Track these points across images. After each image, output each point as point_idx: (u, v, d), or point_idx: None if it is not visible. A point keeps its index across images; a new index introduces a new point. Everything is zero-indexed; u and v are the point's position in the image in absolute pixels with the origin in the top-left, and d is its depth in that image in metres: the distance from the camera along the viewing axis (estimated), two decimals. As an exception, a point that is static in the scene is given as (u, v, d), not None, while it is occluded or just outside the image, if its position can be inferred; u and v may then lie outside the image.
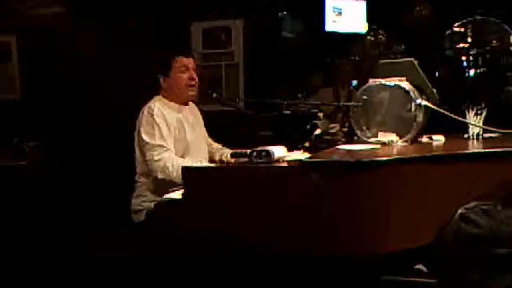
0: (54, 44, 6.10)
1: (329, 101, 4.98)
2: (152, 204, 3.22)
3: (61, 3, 6.24)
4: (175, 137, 3.33)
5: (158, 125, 3.25)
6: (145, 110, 3.33)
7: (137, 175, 3.37)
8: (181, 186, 2.96)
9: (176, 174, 3.08)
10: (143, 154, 3.27)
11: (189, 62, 3.45)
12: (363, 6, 7.01)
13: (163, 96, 3.44)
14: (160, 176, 3.18)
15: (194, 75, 3.43)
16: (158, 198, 3.21)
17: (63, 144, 5.73)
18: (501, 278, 2.26)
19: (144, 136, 3.25)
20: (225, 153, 3.56)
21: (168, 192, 3.11)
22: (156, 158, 3.20)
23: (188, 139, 3.39)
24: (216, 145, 3.69)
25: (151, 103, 3.36)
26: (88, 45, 5.98)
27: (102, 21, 5.94)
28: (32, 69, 6.32)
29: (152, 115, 3.27)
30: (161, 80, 3.43)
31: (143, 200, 3.31)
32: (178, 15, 5.80)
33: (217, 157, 3.60)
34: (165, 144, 3.24)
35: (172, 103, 3.42)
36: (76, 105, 5.97)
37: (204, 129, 3.63)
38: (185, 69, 3.41)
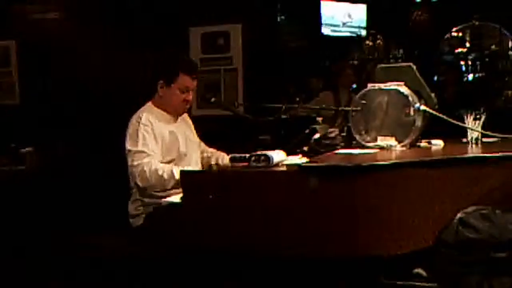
0: (53, 49, 6.11)
1: (329, 104, 4.99)
2: (148, 208, 3.22)
3: (60, 8, 6.25)
4: (166, 148, 3.30)
5: (142, 133, 3.20)
6: (134, 119, 3.30)
7: (131, 180, 3.36)
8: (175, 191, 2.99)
9: (154, 179, 3.07)
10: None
11: (193, 84, 3.39)
12: (362, 10, 7.05)
13: (155, 104, 3.40)
14: (139, 182, 3.13)
15: (190, 97, 3.39)
16: (154, 201, 3.21)
17: (62, 149, 5.72)
18: (500, 282, 2.27)
19: (127, 144, 3.22)
20: (221, 157, 3.55)
21: (163, 196, 3.09)
22: (135, 163, 3.15)
23: (180, 150, 3.36)
24: (211, 150, 3.67)
25: (140, 112, 3.32)
26: (87, 50, 5.98)
27: (101, 26, 5.96)
28: (31, 74, 6.33)
29: (139, 123, 3.23)
30: (160, 85, 3.38)
31: (140, 205, 3.29)
32: (177, 19, 5.81)
33: (213, 161, 3.58)
34: (146, 150, 3.18)
35: (163, 113, 3.39)
36: (76, 110, 5.97)
37: (197, 138, 3.61)
38: (186, 90, 3.36)
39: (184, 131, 3.48)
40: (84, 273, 3.59)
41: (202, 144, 3.66)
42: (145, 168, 3.11)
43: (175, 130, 3.39)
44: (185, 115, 3.57)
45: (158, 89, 3.39)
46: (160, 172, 3.07)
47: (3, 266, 4.05)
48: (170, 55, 3.56)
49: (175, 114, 3.45)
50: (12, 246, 4.35)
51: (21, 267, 4.07)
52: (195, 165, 3.42)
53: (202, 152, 3.62)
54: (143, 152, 3.17)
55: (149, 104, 3.41)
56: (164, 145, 3.28)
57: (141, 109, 3.36)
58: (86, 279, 3.55)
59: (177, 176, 2.98)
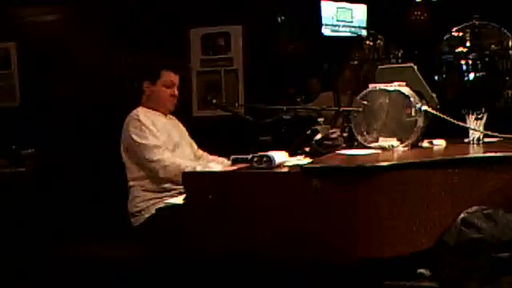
0: (54, 51, 6.11)
1: (330, 105, 4.99)
2: (148, 203, 3.27)
3: (60, 10, 6.25)
4: (164, 139, 3.36)
5: (147, 127, 3.31)
6: (129, 117, 3.39)
7: (129, 181, 3.39)
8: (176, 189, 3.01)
9: (174, 174, 3.14)
10: (139, 156, 3.29)
11: (176, 79, 3.55)
12: (363, 11, 7.05)
13: (145, 106, 3.51)
14: (161, 175, 3.23)
15: (176, 92, 3.54)
16: (153, 196, 3.28)
17: (62, 151, 5.72)
18: (503, 282, 2.27)
19: (136, 138, 3.28)
20: (222, 163, 3.56)
21: (162, 191, 3.24)
22: (155, 158, 3.24)
23: (174, 140, 3.45)
24: (212, 157, 3.68)
25: (134, 111, 3.43)
26: (87, 52, 5.98)
27: (101, 28, 5.95)
28: (31, 76, 6.32)
29: (138, 119, 3.33)
30: (145, 85, 3.51)
31: (139, 201, 3.32)
32: (178, 20, 5.80)
33: None
34: (160, 144, 3.28)
35: (154, 112, 3.49)
36: (76, 112, 5.97)
37: (188, 137, 3.68)
38: (171, 85, 3.51)
39: (174, 126, 3.60)
40: (85, 275, 3.59)
41: (201, 152, 3.70)
42: (167, 163, 3.21)
43: (167, 124, 3.51)
44: (173, 117, 3.63)
45: (144, 90, 3.51)
46: (182, 167, 3.15)
47: (3, 269, 4.05)
48: (149, 57, 3.68)
49: (165, 111, 3.55)
50: (12, 248, 4.35)
51: (21, 269, 4.07)
52: (187, 158, 3.46)
53: (200, 159, 3.64)
54: (158, 146, 3.27)
55: (139, 107, 3.50)
56: (161, 135, 3.36)
57: (132, 111, 3.43)
58: (87, 282, 3.55)
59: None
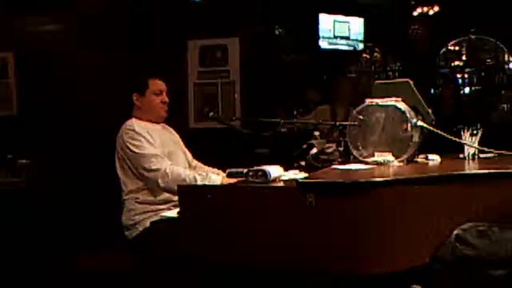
0: (51, 61, 6.12)
1: (326, 118, 4.99)
2: (143, 216, 3.26)
3: (58, 20, 6.27)
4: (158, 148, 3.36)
5: (143, 136, 3.30)
6: (123, 129, 3.38)
7: (124, 194, 3.38)
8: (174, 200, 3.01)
9: (176, 183, 3.08)
10: (136, 166, 3.28)
11: (163, 85, 3.56)
12: (360, 23, 7.07)
13: (136, 117, 3.49)
14: (162, 184, 3.19)
15: (166, 98, 3.54)
16: (148, 209, 3.27)
17: (60, 161, 5.72)
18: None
19: (133, 148, 3.27)
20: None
21: (157, 203, 3.22)
22: (154, 167, 3.21)
23: (168, 150, 3.44)
24: (207, 168, 3.69)
25: (127, 123, 3.42)
26: (85, 61, 5.99)
27: (100, 38, 5.97)
28: (29, 85, 6.33)
29: (133, 130, 3.32)
30: (135, 97, 3.50)
31: (134, 214, 3.31)
32: (175, 32, 5.82)
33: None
34: (158, 153, 3.27)
35: (146, 122, 3.48)
36: (74, 121, 5.97)
37: (182, 146, 3.69)
38: (159, 92, 3.52)
39: (168, 134, 3.61)
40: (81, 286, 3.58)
41: (195, 162, 3.70)
42: (167, 171, 3.18)
43: (161, 132, 3.51)
44: (167, 126, 3.64)
45: (134, 102, 3.52)
46: (182, 176, 3.14)
47: (1, 282, 4.05)
48: (135, 74, 3.75)
49: (157, 119, 3.55)
50: (10, 261, 4.33)
51: (19, 282, 4.06)
52: (182, 167, 3.46)
53: (195, 169, 3.64)
54: (157, 155, 3.26)
55: (132, 119, 3.50)
56: (156, 144, 3.35)
57: (125, 123, 3.43)
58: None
59: (199, 182, 3.06)
